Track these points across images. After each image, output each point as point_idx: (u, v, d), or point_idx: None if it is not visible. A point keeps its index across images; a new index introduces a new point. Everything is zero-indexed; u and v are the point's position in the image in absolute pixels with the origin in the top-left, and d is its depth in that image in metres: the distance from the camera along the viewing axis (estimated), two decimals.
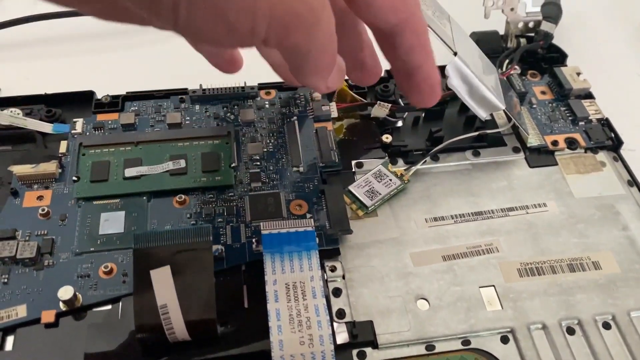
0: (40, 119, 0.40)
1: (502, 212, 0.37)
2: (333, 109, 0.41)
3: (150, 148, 0.38)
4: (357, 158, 0.39)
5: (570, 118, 0.42)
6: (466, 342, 0.32)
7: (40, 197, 0.36)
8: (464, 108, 0.42)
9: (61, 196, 0.36)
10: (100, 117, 0.40)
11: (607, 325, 0.33)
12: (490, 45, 0.46)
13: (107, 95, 0.41)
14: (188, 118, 0.41)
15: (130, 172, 0.37)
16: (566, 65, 0.46)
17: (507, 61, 0.44)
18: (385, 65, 0.30)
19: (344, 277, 0.34)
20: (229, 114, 0.41)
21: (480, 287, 0.34)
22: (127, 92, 0.42)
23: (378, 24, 0.26)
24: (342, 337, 0.31)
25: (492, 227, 0.37)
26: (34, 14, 0.49)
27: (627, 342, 0.32)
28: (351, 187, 0.37)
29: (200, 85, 0.42)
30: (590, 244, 0.36)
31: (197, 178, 0.37)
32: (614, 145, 0.41)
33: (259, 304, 0.30)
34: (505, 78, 0.43)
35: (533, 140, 0.40)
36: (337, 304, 0.33)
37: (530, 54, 0.46)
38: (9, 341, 0.31)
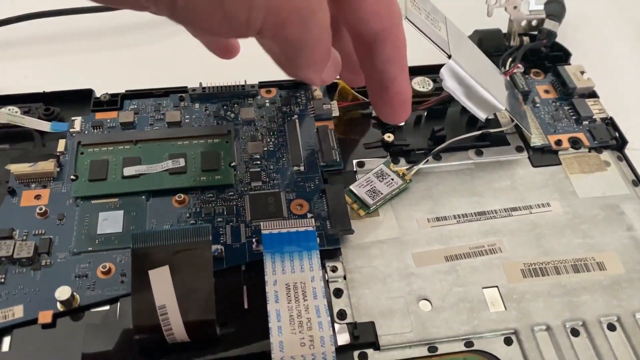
0: (39, 117, 0.39)
1: (505, 212, 0.37)
2: (334, 107, 0.41)
3: (150, 147, 0.38)
4: (358, 157, 0.39)
5: (574, 117, 0.42)
6: (469, 343, 0.31)
7: (37, 196, 0.36)
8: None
9: (59, 195, 0.36)
10: (99, 116, 0.40)
11: (611, 327, 0.32)
12: (493, 43, 0.45)
13: (106, 93, 0.41)
14: (188, 116, 0.40)
15: (129, 171, 0.36)
16: (570, 64, 0.45)
17: (510, 60, 0.44)
18: None
19: (345, 278, 0.33)
20: (229, 113, 0.41)
21: (483, 287, 0.33)
22: (126, 91, 0.41)
23: (361, 29, 0.27)
24: (343, 338, 0.31)
25: (495, 227, 0.36)
26: (32, 11, 0.49)
27: (632, 343, 0.32)
28: (352, 187, 0.37)
29: (200, 84, 0.41)
30: (595, 244, 0.36)
31: (196, 177, 0.37)
32: (619, 144, 0.41)
33: (259, 304, 0.30)
34: (508, 77, 0.42)
35: (536, 139, 0.40)
36: (338, 304, 0.32)
37: (534, 52, 0.46)
38: (6, 342, 0.31)
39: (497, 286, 0.34)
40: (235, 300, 0.32)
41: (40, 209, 0.35)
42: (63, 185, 0.36)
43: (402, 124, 0.41)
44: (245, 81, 0.41)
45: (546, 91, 0.44)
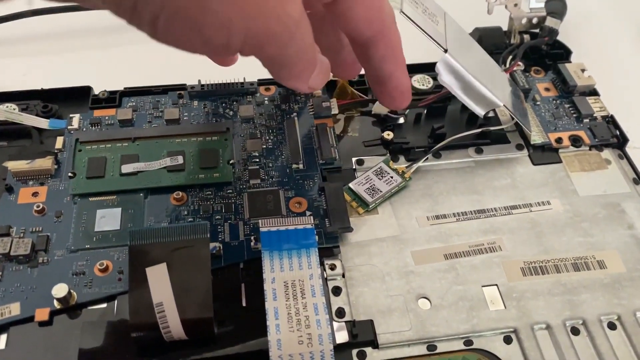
0: (37, 115, 0.39)
1: (505, 210, 0.37)
2: (333, 105, 0.40)
3: (148, 144, 0.38)
4: (357, 155, 0.39)
5: (574, 115, 0.42)
6: (468, 342, 0.31)
7: (35, 194, 0.35)
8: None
9: (57, 192, 0.36)
10: (97, 113, 0.40)
11: (612, 326, 0.32)
12: (494, 41, 0.45)
13: (105, 90, 0.41)
14: (186, 114, 0.40)
15: (127, 168, 0.36)
16: (570, 62, 0.45)
17: (510, 57, 0.44)
18: None
19: (343, 276, 0.33)
20: (227, 110, 0.40)
21: (482, 286, 0.33)
22: (124, 88, 0.41)
23: (354, 35, 0.28)
24: (342, 336, 0.31)
25: (495, 225, 0.36)
26: (30, 9, 0.48)
27: (633, 342, 0.31)
28: (352, 185, 0.37)
29: (199, 81, 0.41)
30: (595, 242, 0.35)
31: (195, 175, 0.36)
32: (619, 142, 0.40)
33: (257, 302, 0.30)
34: (508, 74, 0.42)
35: (537, 137, 0.40)
36: (336, 302, 0.32)
37: (534, 50, 0.45)
38: (2, 339, 0.30)
39: (496, 284, 0.33)
40: (234, 298, 0.32)
41: (38, 206, 0.34)
42: (61, 182, 0.36)
43: (402, 121, 0.41)
44: (244, 79, 0.41)
45: (546, 89, 0.43)
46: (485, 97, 0.35)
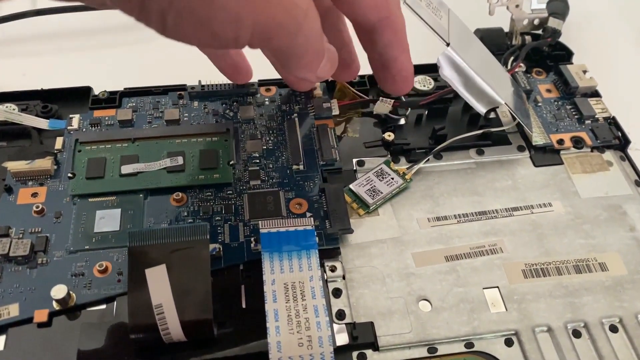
0: (37, 115, 0.39)
1: (506, 211, 0.37)
2: (334, 106, 0.40)
3: (148, 145, 0.38)
4: (358, 156, 0.39)
5: (576, 116, 0.42)
6: (469, 344, 0.31)
7: (34, 194, 0.35)
8: (467, 106, 0.41)
9: (56, 193, 0.35)
10: (97, 114, 0.39)
11: (614, 328, 0.32)
12: (495, 42, 0.45)
13: (105, 91, 0.41)
14: (186, 114, 0.40)
15: (126, 169, 0.36)
16: (572, 63, 0.45)
17: (511, 59, 0.43)
18: None
19: (344, 277, 0.33)
20: (228, 111, 0.40)
21: (483, 288, 0.33)
22: (124, 88, 0.41)
23: (360, 20, 0.29)
24: (342, 338, 0.31)
25: (496, 227, 0.36)
26: (31, 9, 0.48)
27: (635, 345, 0.31)
28: (352, 186, 0.37)
29: (199, 82, 0.41)
30: (597, 244, 0.35)
31: (195, 175, 0.36)
32: (621, 144, 0.40)
33: (257, 304, 0.30)
34: (510, 76, 0.42)
35: (538, 138, 0.40)
36: (337, 304, 0.32)
37: (536, 51, 0.45)
38: (1, 341, 0.30)
39: (497, 287, 0.33)
40: (233, 299, 0.32)
41: (37, 207, 0.34)
42: (60, 183, 0.36)
43: (403, 122, 0.41)
44: None
45: (548, 90, 0.43)
46: (487, 94, 0.35)
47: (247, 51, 0.32)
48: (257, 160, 0.38)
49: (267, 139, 0.39)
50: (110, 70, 0.46)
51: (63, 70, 0.46)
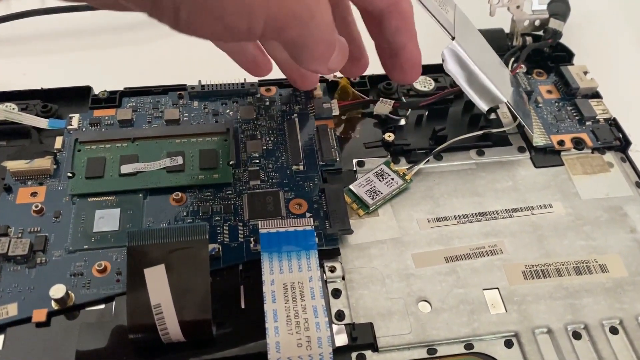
0: (36, 114, 0.39)
1: (506, 212, 0.36)
2: (334, 106, 0.40)
3: (147, 145, 0.38)
4: (358, 156, 0.39)
5: (577, 118, 0.41)
6: (469, 345, 0.31)
7: (34, 194, 0.35)
8: (468, 107, 0.42)
9: (55, 193, 0.35)
10: (97, 113, 0.39)
11: (614, 330, 0.32)
12: (496, 43, 0.44)
13: (105, 90, 0.41)
14: (186, 114, 0.40)
15: (126, 168, 0.36)
16: (573, 64, 0.45)
17: (512, 59, 0.43)
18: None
19: (343, 278, 0.33)
20: (228, 111, 0.40)
21: (483, 289, 0.33)
22: (124, 88, 0.41)
23: (368, 7, 0.28)
24: (341, 339, 0.31)
25: (496, 228, 0.36)
26: (31, 9, 0.48)
27: (635, 347, 0.31)
28: (352, 186, 0.37)
29: (199, 81, 0.41)
30: (597, 246, 0.35)
31: (194, 175, 0.36)
32: (622, 145, 0.40)
33: (256, 304, 0.30)
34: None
35: (539, 139, 0.40)
36: (336, 305, 0.32)
37: (536, 52, 0.45)
38: None
39: (497, 288, 0.33)
40: (232, 300, 0.32)
41: (36, 206, 0.34)
42: (60, 182, 0.36)
43: (403, 123, 0.41)
44: (245, 79, 0.41)
45: (549, 91, 0.43)
46: (490, 91, 0.35)
47: None
48: (257, 161, 0.37)
49: (267, 139, 0.39)
50: (110, 70, 0.46)
51: (63, 70, 0.46)
